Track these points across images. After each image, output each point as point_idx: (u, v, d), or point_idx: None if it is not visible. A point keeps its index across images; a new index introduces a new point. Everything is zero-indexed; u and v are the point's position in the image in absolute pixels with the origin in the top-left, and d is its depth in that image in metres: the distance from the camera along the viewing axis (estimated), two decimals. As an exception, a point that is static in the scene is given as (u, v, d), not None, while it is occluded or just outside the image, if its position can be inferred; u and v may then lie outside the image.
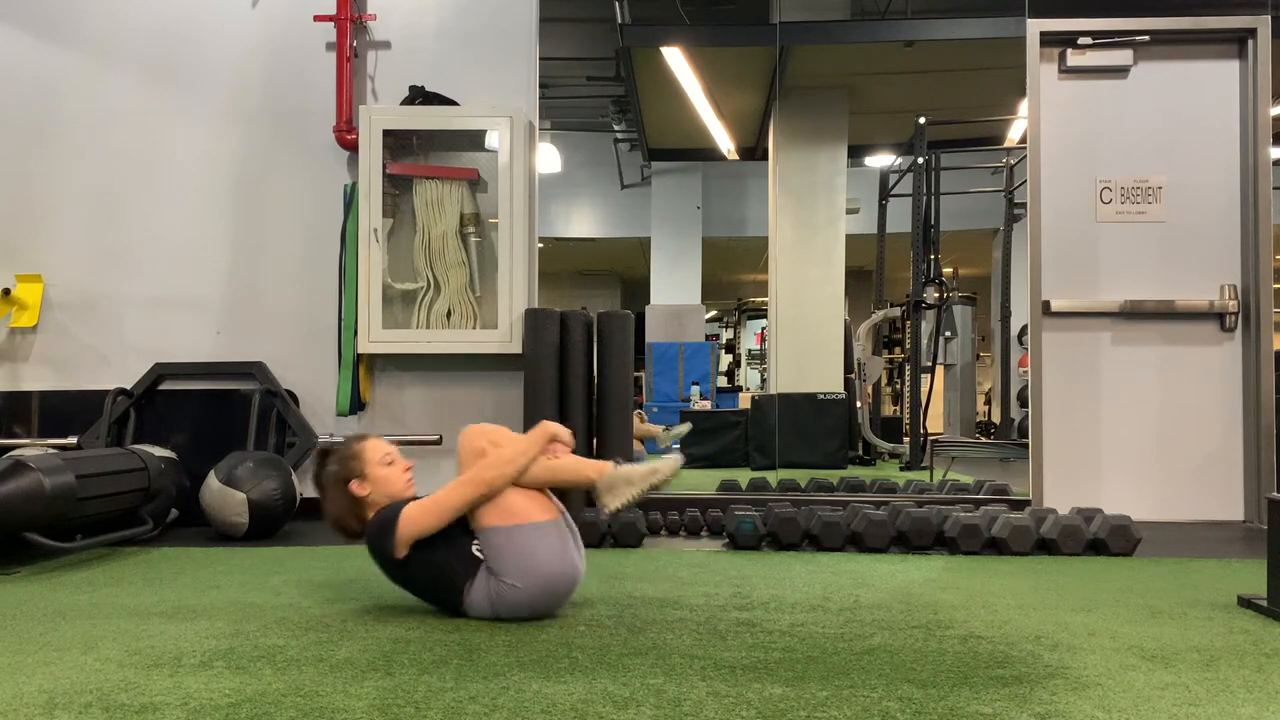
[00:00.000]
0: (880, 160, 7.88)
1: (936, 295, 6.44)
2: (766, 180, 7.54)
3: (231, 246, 4.34)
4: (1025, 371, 4.90)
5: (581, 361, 3.93)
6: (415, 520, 2.21)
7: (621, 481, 2.28)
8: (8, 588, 2.72)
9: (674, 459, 2.31)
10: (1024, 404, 5.43)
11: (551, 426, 2.34)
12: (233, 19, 4.37)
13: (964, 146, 7.35)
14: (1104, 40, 4.22)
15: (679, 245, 9.62)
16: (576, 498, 3.82)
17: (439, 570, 2.25)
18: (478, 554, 2.23)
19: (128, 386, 4.19)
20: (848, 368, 7.07)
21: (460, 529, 2.25)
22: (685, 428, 4.27)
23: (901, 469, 6.32)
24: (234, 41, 4.36)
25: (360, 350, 4.08)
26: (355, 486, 2.31)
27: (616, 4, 6.47)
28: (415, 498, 2.35)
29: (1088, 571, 2.95)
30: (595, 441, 3.93)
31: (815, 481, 4.43)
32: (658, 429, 5.36)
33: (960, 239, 8.13)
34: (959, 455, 6.16)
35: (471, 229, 4.17)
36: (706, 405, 7.90)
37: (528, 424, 3.87)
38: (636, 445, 4.86)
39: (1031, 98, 4.22)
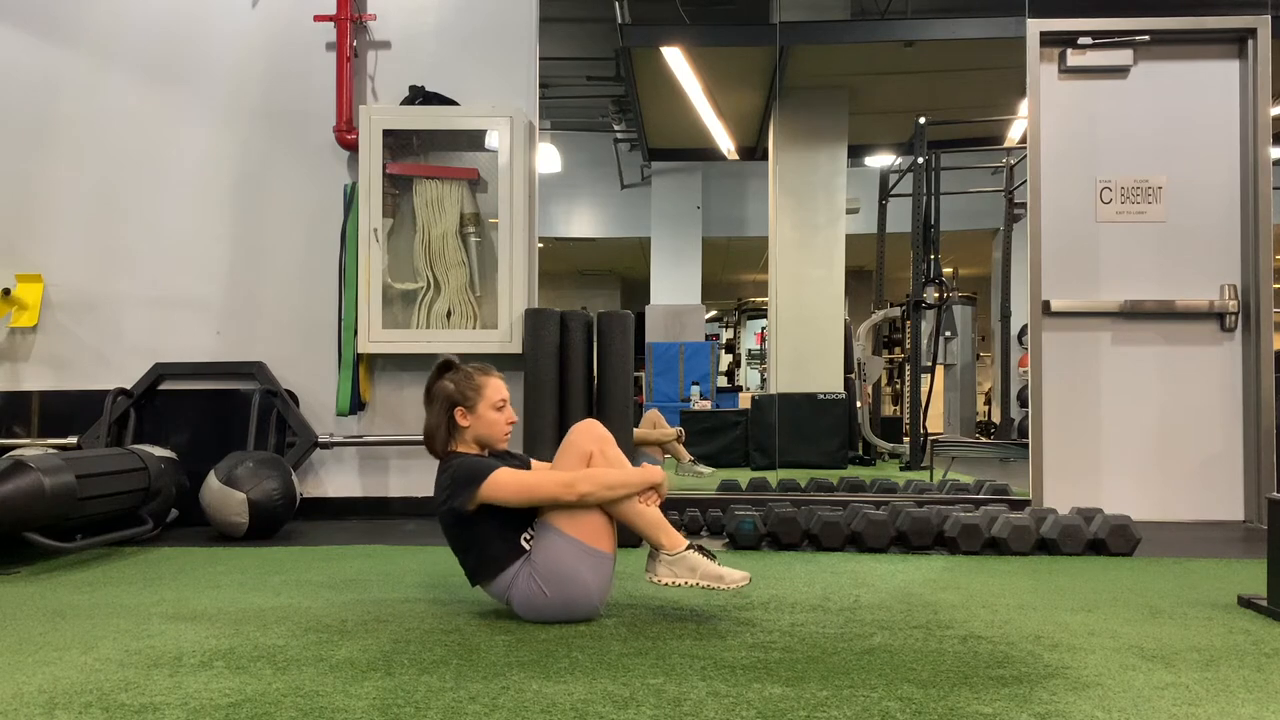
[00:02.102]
0: (880, 160, 7.88)
1: (936, 295, 6.44)
2: (766, 180, 7.53)
3: (231, 246, 4.34)
4: (1025, 371, 4.90)
5: (581, 361, 3.93)
6: (504, 487, 2.21)
7: (685, 568, 2.26)
8: (8, 588, 2.72)
9: (744, 576, 2.26)
10: (1024, 404, 5.43)
11: (658, 476, 2.32)
12: (233, 19, 4.37)
13: (964, 146, 7.34)
14: (1104, 40, 4.22)
15: (679, 245, 9.61)
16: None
17: (484, 541, 2.25)
18: (524, 544, 2.25)
19: (128, 386, 4.19)
20: (848, 368, 7.07)
21: (522, 515, 2.27)
22: (709, 472, 4.27)
23: (901, 469, 6.32)
24: (234, 41, 4.36)
25: (360, 350, 4.08)
26: (460, 415, 2.32)
27: (616, 4, 6.47)
28: (506, 453, 2.40)
29: (1088, 571, 2.95)
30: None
31: (815, 481, 4.43)
32: (686, 456, 5.28)
33: (960, 239, 8.12)
34: (959, 455, 6.15)
35: (471, 229, 4.16)
36: (706, 405, 7.90)
37: (527, 424, 3.86)
38: (654, 452, 4.85)
39: (1031, 98, 4.22)
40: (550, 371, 3.88)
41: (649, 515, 2.29)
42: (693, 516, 3.71)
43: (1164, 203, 4.24)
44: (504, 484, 2.21)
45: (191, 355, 4.29)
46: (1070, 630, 2.19)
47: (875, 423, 7.09)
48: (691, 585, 2.24)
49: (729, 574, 2.25)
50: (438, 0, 4.32)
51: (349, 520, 4.19)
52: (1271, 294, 4.14)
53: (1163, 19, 4.20)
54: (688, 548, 2.27)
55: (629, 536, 3.40)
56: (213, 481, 3.64)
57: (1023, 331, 5.70)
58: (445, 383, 2.36)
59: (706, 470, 5.10)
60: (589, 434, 2.34)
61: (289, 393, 4.20)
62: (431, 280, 4.11)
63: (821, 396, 6.31)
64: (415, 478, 4.27)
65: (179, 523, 3.77)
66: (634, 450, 4.03)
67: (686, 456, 5.25)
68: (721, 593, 2.59)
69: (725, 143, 8.29)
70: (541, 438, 3.81)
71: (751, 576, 2.30)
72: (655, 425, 5.07)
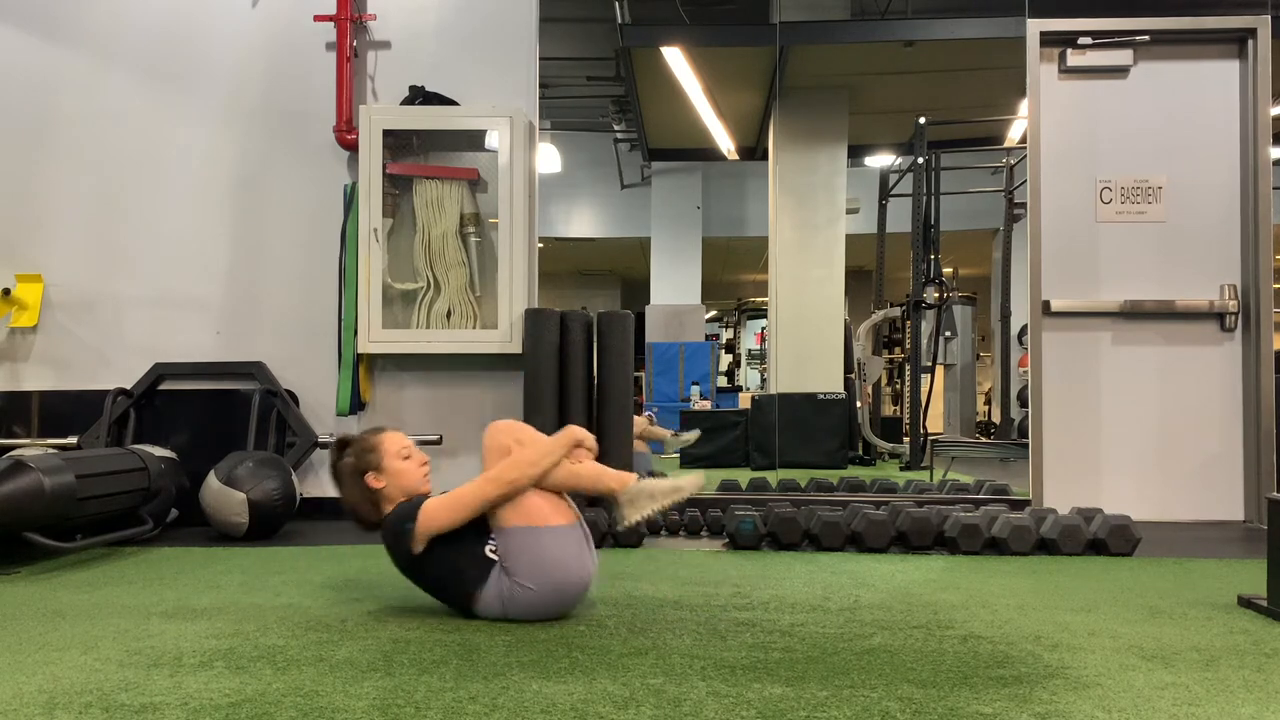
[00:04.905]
0: (880, 160, 7.88)
1: (936, 295, 6.44)
2: (766, 180, 7.54)
3: (231, 246, 4.34)
4: (1025, 371, 4.89)
5: (581, 361, 3.93)
6: (435, 516, 2.21)
7: (644, 496, 2.28)
8: (8, 588, 2.72)
9: (697, 478, 2.32)
10: (1024, 404, 5.43)
11: (578, 432, 2.33)
12: (233, 19, 4.36)
13: (964, 146, 7.35)
14: (1104, 40, 4.22)
15: (679, 245, 9.61)
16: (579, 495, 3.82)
17: (452, 569, 2.25)
18: (491, 555, 2.24)
19: (128, 386, 4.19)
20: (848, 368, 7.07)
21: (475, 530, 2.25)
22: (694, 434, 4.32)
23: (901, 469, 6.32)
24: (234, 41, 4.36)
25: (360, 350, 4.08)
26: (371, 479, 2.31)
27: (616, 4, 6.47)
28: (429, 494, 2.35)
29: (1088, 571, 2.95)
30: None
31: (815, 481, 4.43)
32: (666, 433, 5.33)
33: (960, 239, 8.13)
34: (959, 455, 6.16)
35: (471, 229, 4.16)
36: (706, 405, 7.90)
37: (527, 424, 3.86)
38: (641, 446, 4.85)
39: (1031, 98, 4.22)
40: (550, 371, 3.88)
41: (586, 472, 2.31)
42: (692, 516, 3.71)
43: (1164, 203, 4.24)
44: (434, 512, 2.22)
45: (191, 355, 4.29)
46: (1070, 630, 2.19)
47: (875, 423, 7.08)
48: (659, 511, 2.27)
49: (683, 481, 2.30)
50: (438, 0, 4.32)
51: (349, 520, 4.17)
52: (1271, 294, 4.14)
53: (1163, 19, 4.20)
54: (637, 479, 2.30)
55: (629, 536, 3.40)
56: (213, 481, 3.64)
57: (1023, 331, 5.70)
58: (345, 459, 2.35)
59: (693, 434, 5.15)
60: (503, 431, 2.33)
61: (289, 393, 4.20)
62: (431, 280, 4.11)
63: (821, 396, 6.31)
64: (415, 478, 4.26)
65: (179, 523, 3.77)
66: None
67: (666, 433, 5.30)
68: (723, 591, 2.59)
69: (725, 143, 8.29)
70: (541, 438, 3.81)
71: (702, 479, 2.36)
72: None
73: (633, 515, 2.28)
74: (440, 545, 2.23)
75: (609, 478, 2.32)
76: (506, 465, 2.22)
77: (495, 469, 2.23)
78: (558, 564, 2.21)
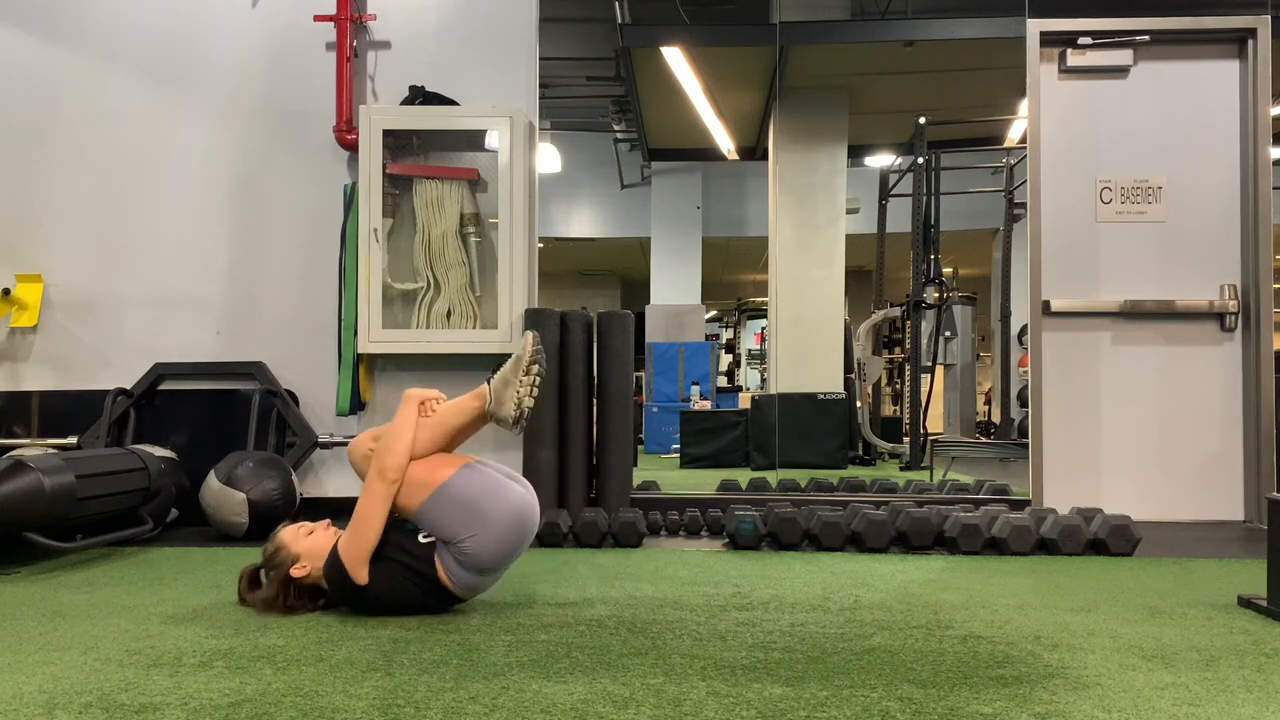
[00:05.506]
0: (880, 160, 7.89)
1: (936, 295, 6.44)
2: (766, 180, 7.55)
3: (231, 246, 4.34)
4: (1025, 371, 4.90)
5: (581, 361, 3.93)
6: (352, 545, 2.26)
7: (503, 386, 2.36)
8: (8, 588, 2.72)
9: (527, 336, 2.39)
10: (1024, 404, 5.43)
11: (414, 391, 2.39)
12: (233, 19, 4.36)
13: (964, 146, 7.36)
14: (1104, 40, 4.22)
15: (679, 245, 9.63)
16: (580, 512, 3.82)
17: (409, 574, 2.26)
18: (426, 540, 2.27)
19: (128, 386, 4.19)
20: (848, 368, 7.07)
21: (400, 529, 2.30)
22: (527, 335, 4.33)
23: (901, 469, 6.32)
24: (234, 41, 4.36)
25: (360, 350, 4.08)
26: (297, 571, 2.33)
27: (616, 4, 6.48)
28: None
29: (1088, 571, 2.95)
30: (596, 441, 3.93)
31: (815, 481, 4.43)
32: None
33: (960, 239, 8.14)
34: (959, 455, 6.16)
35: (471, 229, 4.16)
36: (706, 405, 7.90)
37: (527, 425, 3.86)
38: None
39: (1031, 98, 4.22)
40: (550, 371, 3.88)
41: (446, 412, 2.36)
42: (693, 516, 3.71)
43: (1164, 203, 4.24)
44: (348, 543, 2.27)
45: (191, 355, 4.29)
46: (1070, 630, 2.19)
47: (875, 423, 7.09)
48: (526, 388, 2.34)
49: (518, 351, 2.37)
50: (437, 0, 4.32)
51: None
52: (1271, 294, 4.14)
53: (1163, 19, 4.20)
54: (487, 385, 2.37)
55: (628, 536, 3.40)
56: (213, 481, 3.64)
57: (1023, 331, 5.70)
58: (266, 578, 2.37)
59: (527, 335, 5.23)
60: (358, 444, 2.39)
61: (289, 393, 4.20)
62: (431, 280, 4.11)
63: (821, 396, 6.31)
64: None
65: (179, 523, 3.77)
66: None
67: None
68: (723, 591, 2.59)
69: (725, 143, 8.30)
70: (541, 438, 3.82)
71: (534, 334, 2.42)
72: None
73: (509, 409, 2.33)
74: (383, 563, 2.26)
75: (467, 401, 2.38)
76: (376, 457, 2.29)
77: (369, 470, 2.29)
78: (476, 503, 2.25)
